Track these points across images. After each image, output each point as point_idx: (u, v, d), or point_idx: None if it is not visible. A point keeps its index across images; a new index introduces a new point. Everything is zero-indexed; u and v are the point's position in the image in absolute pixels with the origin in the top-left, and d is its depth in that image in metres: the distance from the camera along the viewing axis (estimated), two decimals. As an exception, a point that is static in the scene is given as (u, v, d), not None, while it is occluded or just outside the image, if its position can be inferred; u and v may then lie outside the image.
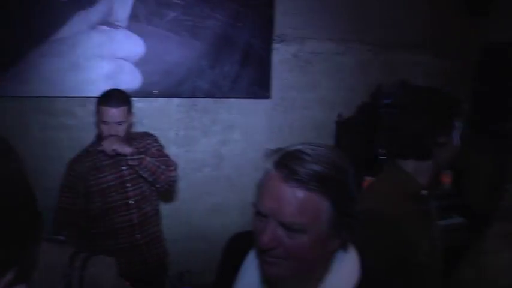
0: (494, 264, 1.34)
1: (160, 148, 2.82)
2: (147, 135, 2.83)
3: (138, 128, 3.09)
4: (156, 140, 2.82)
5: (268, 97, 3.57)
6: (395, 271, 1.45)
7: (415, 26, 4.16)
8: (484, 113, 4.14)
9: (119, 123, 2.56)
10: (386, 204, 1.62)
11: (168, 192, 3.30)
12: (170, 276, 2.97)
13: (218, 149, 3.53)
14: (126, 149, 2.55)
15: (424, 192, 1.66)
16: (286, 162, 1.02)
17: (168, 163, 2.72)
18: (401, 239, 1.56)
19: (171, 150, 3.25)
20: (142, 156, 2.59)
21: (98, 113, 2.56)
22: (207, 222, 3.57)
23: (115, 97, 2.57)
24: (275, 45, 3.57)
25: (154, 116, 3.35)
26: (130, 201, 2.63)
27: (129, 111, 2.64)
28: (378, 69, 3.97)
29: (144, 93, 3.24)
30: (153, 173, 2.62)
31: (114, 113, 2.54)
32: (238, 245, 1.25)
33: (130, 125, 2.73)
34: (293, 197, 1.00)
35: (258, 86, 3.52)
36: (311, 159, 1.01)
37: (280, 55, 3.60)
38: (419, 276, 1.60)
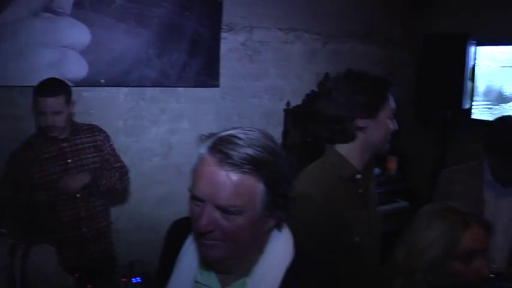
0: (422, 241, 1.42)
1: (113, 147, 2.81)
2: (98, 130, 2.79)
3: (86, 118, 3.05)
4: (107, 137, 2.80)
5: (216, 86, 3.60)
6: (327, 251, 1.54)
7: (362, 17, 4.29)
8: (427, 102, 4.32)
9: (56, 113, 2.51)
10: (319, 187, 1.70)
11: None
12: (120, 266, 2.97)
13: (167, 138, 3.53)
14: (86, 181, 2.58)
15: (358, 176, 1.74)
16: (220, 146, 1.05)
17: (124, 171, 2.74)
18: (332, 221, 1.65)
19: (120, 140, 3.24)
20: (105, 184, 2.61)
21: (35, 103, 2.52)
22: (157, 212, 3.57)
23: (51, 86, 2.53)
24: (223, 34, 3.60)
25: (102, 105, 3.32)
26: (77, 195, 2.61)
27: (68, 101, 2.59)
28: (326, 59, 4.08)
29: (90, 82, 3.20)
30: (110, 188, 2.66)
31: (50, 102, 2.49)
32: (178, 231, 1.28)
33: (71, 115, 2.70)
34: (228, 180, 1.04)
35: (207, 74, 3.54)
36: (244, 142, 1.05)
37: (229, 44, 3.64)
38: (353, 257, 1.69)
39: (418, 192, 4.13)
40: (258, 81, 3.78)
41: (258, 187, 1.06)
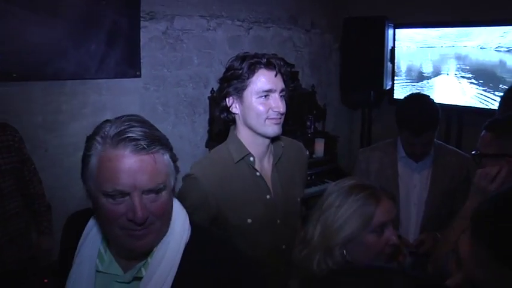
0: (337, 219, 1.46)
1: (26, 152, 2.71)
2: (10, 129, 2.67)
3: (1, 116, 2.94)
4: (20, 139, 2.68)
5: (138, 76, 3.57)
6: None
7: (285, 2, 4.38)
8: (351, 84, 4.49)
9: None
10: (205, 169, 1.78)
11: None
12: (42, 267, 2.91)
13: (90, 132, 3.46)
14: None
15: (251, 158, 1.80)
16: (126, 136, 1.09)
17: (40, 190, 2.73)
18: (217, 202, 1.73)
19: (39, 136, 3.16)
20: None
21: None
22: (83, 208, 3.51)
23: None
24: (143, 23, 3.57)
25: (18, 101, 3.20)
26: None
27: None
28: (250, 45, 4.13)
29: (1, 76, 3.07)
30: (32, 192, 2.66)
31: None
32: (74, 225, 1.31)
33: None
34: (147, 164, 1.10)
35: (128, 65, 3.50)
36: (141, 127, 1.12)
37: (150, 33, 3.61)
38: (246, 238, 1.74)
39: (346, 172, 4.30)
40: (182, 70, 3.78)
41: (166, 159, 1.15)
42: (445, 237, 1.91)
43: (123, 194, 1.09)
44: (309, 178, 3.80)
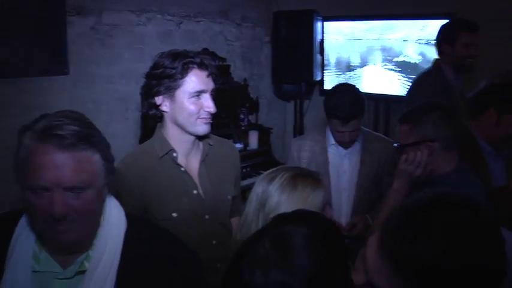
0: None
1: None
2: None
3: None
4: None
5: (66, 73, 3.47)
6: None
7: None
8: (282, 76, 4.60)
9: None
10: (128, 164, 1.82)
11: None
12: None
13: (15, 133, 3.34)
14: None
15: (174, 154, 1.84)
16: (52, 132, 1.10)
17: None
18: (140, 197, 1.77)
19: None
20: None
21: None
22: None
23: None
24: (70, 18, 3.47)
25: None
26: None
27: None
28: (181, 39, 4.13)
29: None
30: None
31: None
32: (2, 226, 1.28)
33: None
34: (70, 161, 1.11)
35: (54, 62, 3.39)
36: (70, 123, 1.13)
37: (77, 28, 3.51)
38: (172, 230, 1.79)
39: (281, 163, 4.41)
40: (112, 66, 3.72)
41: (95, 158, 1.16)
42: (376, 220, 2.07)
43: (45, 189, 1.11)
44: (244, 170, 3.87)
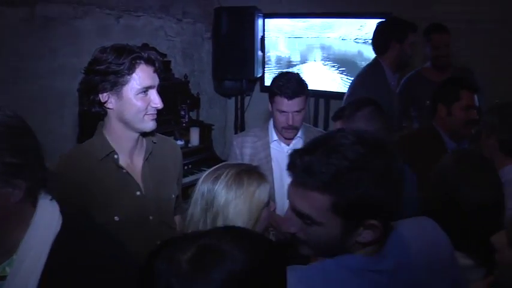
0: (235, 209, 1.51)
1: None
2: None
3: None
4: None
5: (-3, 68, 3.32)
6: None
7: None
8: (223, 73, 4.62)
9: None
10: (67, 166, 1.77)
11: None
12: None
13: None
14: None
15: (116, 156, 1.80)
16: None
17: None
18: (79, 199, 1.70)
19: None
20: None
21: None
22: None
23: None
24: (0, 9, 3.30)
25: None
26: None
27: None
28: (120, 34, 4.04)
29: None
30: None
31: None
32: None
33: None
34: None
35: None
36: None
37: (7, 20, 3.34)
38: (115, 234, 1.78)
39: (222, 159, 4.43)
40: (48, 61, 3.59)
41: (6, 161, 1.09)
42: None
43: None
44: (185, 167, 3.85)
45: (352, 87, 3.37)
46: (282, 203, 2.73)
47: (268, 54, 4.79)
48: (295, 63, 4.75)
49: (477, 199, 1.49)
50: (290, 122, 2.55)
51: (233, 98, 4.96)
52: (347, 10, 4.43)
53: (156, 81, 1.78)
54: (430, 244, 1.25)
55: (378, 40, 3.35)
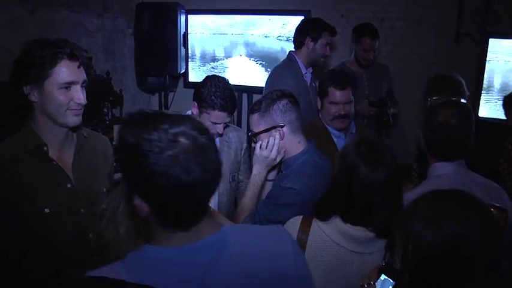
0: None
1: None
2: None
3: None
4: None
5: None
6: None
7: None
8: (146, 69, 4.57)
9: None
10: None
11: None
12: None
13: None
14: None
15: (45, 148, 1.79)
16: None
17: None
18: (12, 192, 1.71)
19: None
20: None
21: None
22: None
23: None
24: None
25: None
26: None
27: None
28: (35, 29, 3.89)
29: None
30: None
31: None
32: None
33: None
34: None
35: None
36: None
37: None
38: (46, 226, 1.75)
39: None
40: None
41: None
42: (242, 204, 2.17)
43: None
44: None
45: (269, 79, 3.51)
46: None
47: (192, 50, 4.80)
48: (219, 58, 4.79)
49: (370, 177, 1.62)
50: (220, 132, 2.56)
51: (156, 95, 4.91)
52: (269, 8, 4.53)
53: (80, 77, 1.76)
54: (263, 255, 1.22)
55: (296, 35, 3.52)
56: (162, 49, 4.43)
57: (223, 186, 2.73)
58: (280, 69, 3.50)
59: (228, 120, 2.55)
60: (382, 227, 1.61)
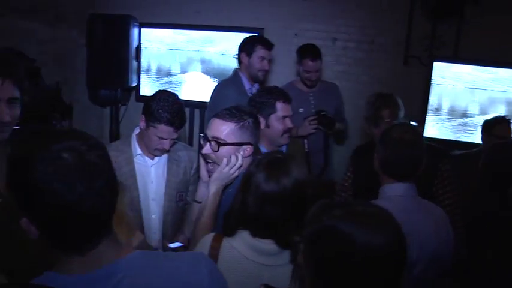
0: None
1: None
2: None
3: None
4: None
5: None
6: None
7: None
8: (97, 81, 4.49)
9: None
10: None
11: None
12: None
13: None
14: None
15: None
16: None
17: None
18: None
19: None
20: None
21: None
22: None
23: None
24: None
25: None
26: None
27: None
28: (-19, 35, 3.78)
29: None
30: None
31: None
32: None
33: None
34: None
35: None
36: None
37: None
38: None
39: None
40: None
41: None
42: (199, 223, 2.07)
43: None
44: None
45: (213, 93, 3.55)
46: (149, 219, 2.65)
47: (148, 65, 4.78)
48: (174, 74, 4.78)
49: (270, 190, 1.64)
50: (166, 148, 2.53)
51: (108, 107, 4.82)
52: (225, 24, 4.56)
53: (5, 94, 1.66)
54: (176, 282, 1.15)
55: (238, 52, 3.60)
56: (114, 61, 4.36)
57: (169, 204, 2.65)
58: (223, 83, 3.56)
59: (174, 136, 2.50)
60: (285, 239, 1.61)
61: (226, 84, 3.49)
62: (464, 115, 4.36)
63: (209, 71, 4.67)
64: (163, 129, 2.43)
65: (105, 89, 4.54)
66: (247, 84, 3.48)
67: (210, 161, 2.16)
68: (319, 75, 3.83)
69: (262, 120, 2.59)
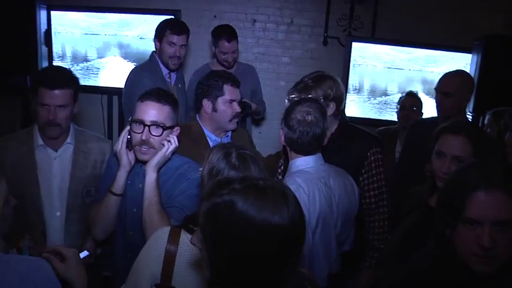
0: None
1: None
2: None
3: None
4: None
5: None
6: None
7: None
8: (3, 68, 4.17)
9: None
10: None
11: None
12: None
13: None
14: None
15: None
16: None
17: None
18: None
19: None
20: None
21: None
22: None
23: None
24: None
25: None
26: None
27: None
28: None
29: None
30: None
31: None
32: None
33: None
34: None
35: None
36: None
37: None
38: None
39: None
40: None
41: None
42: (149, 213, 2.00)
43: None
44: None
45: (128, 79, 3.42)
46: (51, 214, 2.46)
47: (63, 50, 4.50)
48: (91, 59, 4.53)
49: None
50: (51, 117, 2.31)
51: (20, 96, 4.50)
52: (140, 7, 4.37)
53: None
54: None
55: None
56: (21, 47, 4.06)
57: (73, 201, 2.46)
58: (138, 69, 3.44)
59: (56, 103, 2.29)
60: None
61: (141, 72, 3.36)
62: (385, 94, 4.47)
63: (128, 56, 4.46)
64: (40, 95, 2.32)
65: (12, 76, 4.23)
66: (164, 69, 3.37)
67: (145, 146, 2.06)
68: (236, 56, 3.77)
69: (209, 104, 2.57)
